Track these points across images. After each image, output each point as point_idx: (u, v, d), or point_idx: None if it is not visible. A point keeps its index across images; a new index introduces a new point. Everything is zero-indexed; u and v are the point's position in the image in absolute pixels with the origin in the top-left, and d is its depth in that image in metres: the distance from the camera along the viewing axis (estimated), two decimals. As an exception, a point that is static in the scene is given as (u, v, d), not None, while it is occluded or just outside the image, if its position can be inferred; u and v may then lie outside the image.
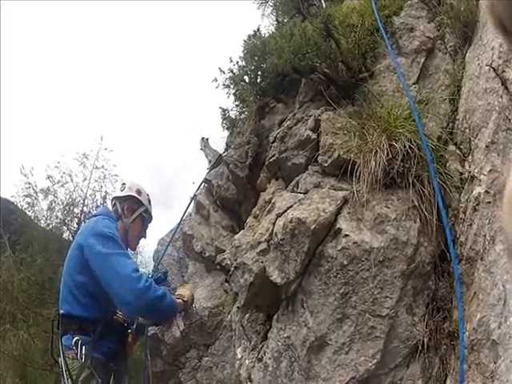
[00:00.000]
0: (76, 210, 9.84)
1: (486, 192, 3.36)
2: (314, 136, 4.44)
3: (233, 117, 6.09)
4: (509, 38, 1.07)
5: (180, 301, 4.76)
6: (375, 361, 3.48)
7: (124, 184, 4.89)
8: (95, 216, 4.75)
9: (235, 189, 5.58)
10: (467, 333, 3.17)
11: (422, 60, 4.91)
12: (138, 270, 4.19)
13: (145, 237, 5.06)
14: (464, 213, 3.63)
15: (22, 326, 9.12)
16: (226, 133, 6.31)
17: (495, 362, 2.87)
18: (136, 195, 4.80)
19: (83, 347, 4.05)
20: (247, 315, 4.63)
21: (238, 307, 4.73)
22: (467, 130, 3.96)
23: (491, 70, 3.76)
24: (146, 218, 4.90)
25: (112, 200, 4.93)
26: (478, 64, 4.07)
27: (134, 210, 4.78)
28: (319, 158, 4.27)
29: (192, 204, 6.26)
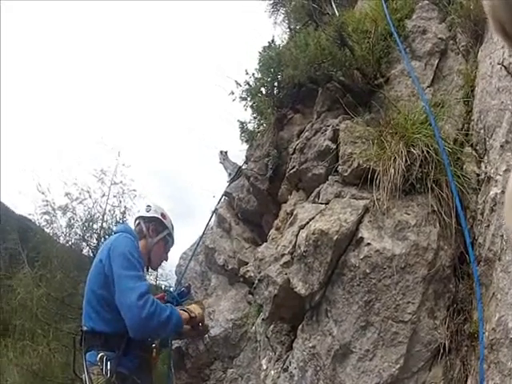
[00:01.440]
0: (95, 226, 9.93)
1: (503, 192, 3.38)
2: (333, 146, 4.51)
3: (251, 129, 6.18)
4: (509, 41, 1.11)
5: (186, 315, 4.81)
6: (398, 366, 3.56)
7: (149, 206, 5.03)
8: (116, 233, 4.88)
9: (256, 201, 5.67)
10: (487, 333, 3.23)
11: (436, 62, 4.97)
12: (146, 293, 4.26)
13: (166, 259, 5.24)
14: (482, 214, 3.68)
15: (42, 341, 9.21)
16: (245, 145, 6.37)
17: (513, 360, 2.94)
18: (161, 218, 4.97)
19: (108, 362, 4.16)
20: (272, 326, 4.71)
21: (262, 319, 4.80)
22: (482, 131, 4.02)
23: (503, 68, 3.80)
24: (169, 241, 5.06)
25: (136, 219, 5.06)
26: (490, 63, 4.13)
27: (158, 232, 4.92)
28: (339, 167, 4.34)
29: (213, 217, 6.38)
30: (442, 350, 3.56)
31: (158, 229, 4.91)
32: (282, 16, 9.53)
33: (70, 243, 10.07)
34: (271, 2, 9.70)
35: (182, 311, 4.69)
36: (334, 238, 3.81)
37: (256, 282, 4.50)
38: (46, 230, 10.30)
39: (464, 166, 4.01)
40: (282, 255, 4.28)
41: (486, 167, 3.84)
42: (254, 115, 6.07)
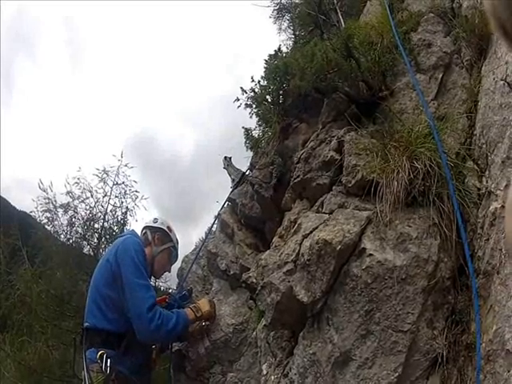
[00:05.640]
0: (96, 226, 9.99)
1: (503, 207, 3.42)
2: (337, 157, 4.56)
3: (256, 136, 6.22)
4: (509, 41, 1.12)
5: (193, 315, 4.89)
6: (397, 374, 3.62)
7: (156, 218, 5.30)
8: (123, 236, 4.99)
9: (259, 208, 5.69)
10: (484, 344, 3.29)
11: (440, 76, 5.03)
12: (154, 305, 4.40)
13: (169, 271, 5.48)
14: (481, 228, 3.74)
15: (40, 337, 9.26)
16: (249, 152, 6.42)
17: (509, 371, 3.02)
18: (167, 230, 5.11)
19: (108, 360, 4.24)
20: (272, 332, 4.77)
21: (264, 325, 4.87)
22: (484, 146, 4.08)
23: (506, 84, 3.89)
24: (173, 253, 5.21)
25: (143, 229, 5.23)
26: (494, 78, 4.20)
27: (163, 242, 5.09)
28: (343, 178, 4.39)
29: (216, 223, 6.44)
30: (439, 360, 3.62)
31: (163, 239, 5.09)
32: (287, 22, 9.61)
33: (70, 241, 10.13)
34: (276, 8, 9.80)
35: (189, 311, 4.81)
36: (338, 248, 3.87)
37: (259, 288, 4.55)
38: (47, 227, 10.37)
39: (465, 180, 4.07)
40: (286, 263, 4.33)
41: (487, 182, 3.90)
42: (259, 123, 6.13)
